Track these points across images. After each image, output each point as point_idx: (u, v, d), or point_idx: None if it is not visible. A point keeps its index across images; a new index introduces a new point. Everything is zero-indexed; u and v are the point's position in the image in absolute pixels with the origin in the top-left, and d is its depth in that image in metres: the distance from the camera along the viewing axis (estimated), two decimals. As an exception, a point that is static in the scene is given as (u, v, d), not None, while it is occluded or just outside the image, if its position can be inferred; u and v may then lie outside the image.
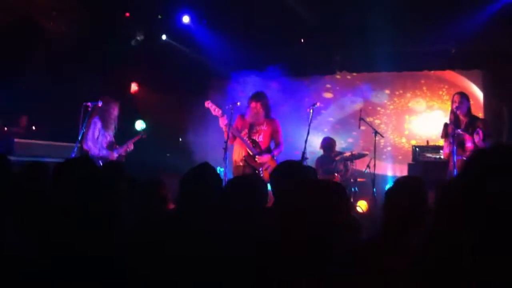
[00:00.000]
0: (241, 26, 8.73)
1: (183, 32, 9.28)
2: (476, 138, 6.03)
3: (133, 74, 8.53)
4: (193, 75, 9.15)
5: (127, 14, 8.91)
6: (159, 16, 9.22)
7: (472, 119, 6.45)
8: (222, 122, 6.41)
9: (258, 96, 6.63)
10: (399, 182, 2.89)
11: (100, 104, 6.79)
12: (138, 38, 8.97)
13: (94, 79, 8.09)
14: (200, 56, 9.19)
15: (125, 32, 9.00)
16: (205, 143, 8.55)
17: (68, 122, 7.04)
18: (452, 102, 6.53)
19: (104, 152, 6.69)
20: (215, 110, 6.46)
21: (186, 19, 9.11)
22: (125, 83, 9.00)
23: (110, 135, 6.91)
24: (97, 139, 6.73)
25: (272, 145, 6.65)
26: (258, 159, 6.43)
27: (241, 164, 6.44)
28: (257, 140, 6.54)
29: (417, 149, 8.21)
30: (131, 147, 7.07)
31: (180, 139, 9.00)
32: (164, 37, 9.35)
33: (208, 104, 6.54)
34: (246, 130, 6.54)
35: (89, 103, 6.74)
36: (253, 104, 6.55)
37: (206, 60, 9.14)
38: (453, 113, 6.45)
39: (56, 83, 7.60)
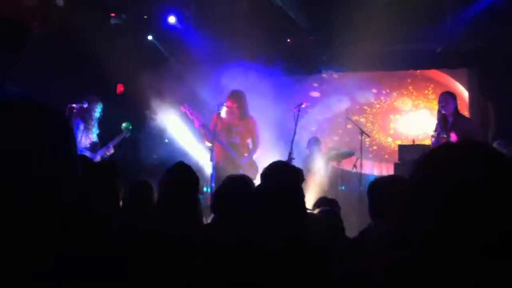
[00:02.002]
0: (227, 25, 8.70)
1: (169, 32, 9.24)
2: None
3: (119, 75, 8.46)
4: (179, 75, 9.11)
5: (113, 15, 8.86)
6: (145, 17, 9.18)
7: (458, 118, 6.54)
8: (198, 124, 6.56)
9: (235, 96, 6.72)
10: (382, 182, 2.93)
11: (85, 105, 6.77)
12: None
13: (80, 80, 8.03)
14: (186, 56, 9.15)
15: (111, 32, 8.96)
16: (192, 143, 8.52)
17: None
18: (438, 101, 6.62)
19: (87, 154, 6.66)
20: (191, 114, 6.61)
21: (172, 19, 9.08)
22: (111, 84, 8.94)
23: (93, 136, 6.88)
24: (80, 141, 6.70)
25: (250, 144, 6.76)
26: (237, 162, 6.51)
27: (220, 164, 6.50)
28: (235, 142, 6.61)
29: (403, 148, 8.24)
30: (111, 150, 7.04)
31: (166, 140, 8.96)
32: (150, 37, 9.30)
33: (184, 108, 6.65)
34: (224, 133, 6.61)
35: (74, 105, 6.71)
36: (229, 104, 6.63)
37: (192, 59, 9.10)
38: (439, 112, 6.54)
39: (41, 84, 7.53)
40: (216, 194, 3.34)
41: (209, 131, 6.50)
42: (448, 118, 6.53)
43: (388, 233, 1.13)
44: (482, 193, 1.00)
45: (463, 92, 9.56)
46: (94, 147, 6.86)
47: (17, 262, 1.03)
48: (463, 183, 1.02)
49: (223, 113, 6.65)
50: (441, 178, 1.05)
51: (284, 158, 6.59)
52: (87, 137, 6.81)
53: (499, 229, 0.97)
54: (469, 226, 0.98)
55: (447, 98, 6.61)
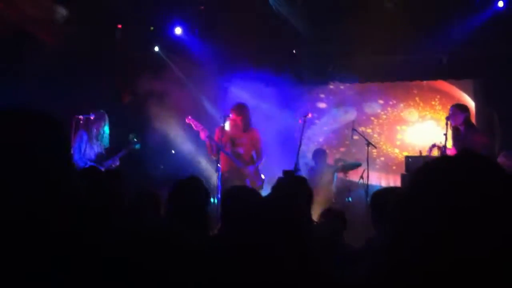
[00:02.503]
0: (233, 36, 8.73)
1: (176, 43, 9.29)
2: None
3: (124, 85, 8.51)
4: (185, 85, 9.15)
5: (119, 26, 8.91)
6: (151, 28, 9.23)
7: (468, 129, 6.68)
8: (204, 135, 6.61)
9: (238, 109, 6.80)
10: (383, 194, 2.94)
11: (92, 117, 6.80)
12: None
13: (87, 91, 8.07)
14: (192, 67, 9.18)
15: (117, 43, 9.01)
16: (198, 155, 8.54)
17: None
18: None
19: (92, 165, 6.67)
20: (196, 125, 6.68)
21: (178, 30, 9.13)
22: (118, 95, 8.98)
23: (99, 147, 6.89)
24: (84, 152, 6.72)
25: (254, 156, 6.81)
26: (243, 171, 6.55)
27: (226, 175, 6.55)
28: (239, 153, 6.66)
29: (410, 159, 8.19)
30: (117, 162, 7.05)
31: (173, 151, 8.98)
32: (156, 48, 9.35)
33: (188, 120, 6.73)
34: (229, 144, 6.67)
35: (80, 116, 6.74)
36: (233, 116, 6.72)
37: (198, 70, 9.14)
38: (450, 125, 6.69)
39: (45, 94, 7.58)
40: (222, 204, 3.33)
41: (214, 142, 6.56)
42: (460, 130, 6.68)
43: (386, 241, 1.13)
44: (475, 203, 1.01)
45: (469, 103, 9.51)
46: (99, 158, 6.86)
47: (15, 263, 1.04)
48: (456, 194, 1.03)
49: (227, 125, 6.72)
50: (434, 189, 1.06)
51: (289, 168, 6.60)
52: (91, 148, 6.82)
53: (492, 240, 0.98)
54: (462, 236, 1.00)
55: (455, 110, 6.80)
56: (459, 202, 1.01)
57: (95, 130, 6.87)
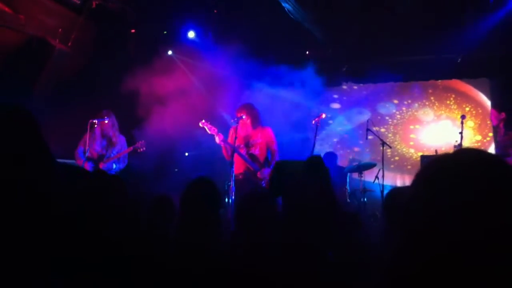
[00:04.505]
0: (246, 38, 8.74)
1: (189, 46, 9.31)
2: None
3: (139, 90, 8.53)
4: (199, 89, 9.18)
5: (133, 31, 8.97)
6: (164, 32, 9.28)
7: (504, 129, 6.91)
8: (219, 139, 6.61)
9: (243, 108, 6.81)
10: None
11: (106, 120, 6.84)
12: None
13: (102, 95, 8.13)
14: (205, 70, 9.21)
15: (131, 47, 9.07)
16: (211, 157, 8.55)
17: (76, 139, 7.08)
18: None
19: (91, 165, 6.78)
20: (210, 129, 6.70)
21: (191, 34, 9.16)
22: (132, 99, 9.04)
23: (102, 148, 6.94)
24: (86, 153, 6.83)
25: (269, 156, 6.80)
26: (259, 174, 6.53)
27: (240, 177, 6.54)
28: (254, 154, 6.65)
29: (425, 159, 8.14)
30: (122, 165, 7.08)
31: (186, 154, 9.01)
32: (170, 52, 9.39)
33: (203, 123, 6.71)
34: (243, 146, 6.67)
35: (95, 120, 6.79)
36: (239, 116, 6.71)
37: (212, 74, 9.16)
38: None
39: (63, 100, 7.66)
40: (236, 211, 3.32)
41: (229, 145, 6.55)
42: (500, 129, 7.08)
43: (395, 245, 1.13)
44: (478, 200, 0.99)
45: (486, 102, 9.45)
46: (100, 158, 6.92)
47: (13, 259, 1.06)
48: (457, 190, 1.02)
49: (239, 127, 6.71)
50: (436, 187, 1.05)
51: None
52: (93, 148, 6.90)
53: (496, 235, 0.97)
54: (470, 234, 0.98)
55: (491, 111, 7.36)
56: (460, 199, 1.00)
57: (100, 130, 6.95)
